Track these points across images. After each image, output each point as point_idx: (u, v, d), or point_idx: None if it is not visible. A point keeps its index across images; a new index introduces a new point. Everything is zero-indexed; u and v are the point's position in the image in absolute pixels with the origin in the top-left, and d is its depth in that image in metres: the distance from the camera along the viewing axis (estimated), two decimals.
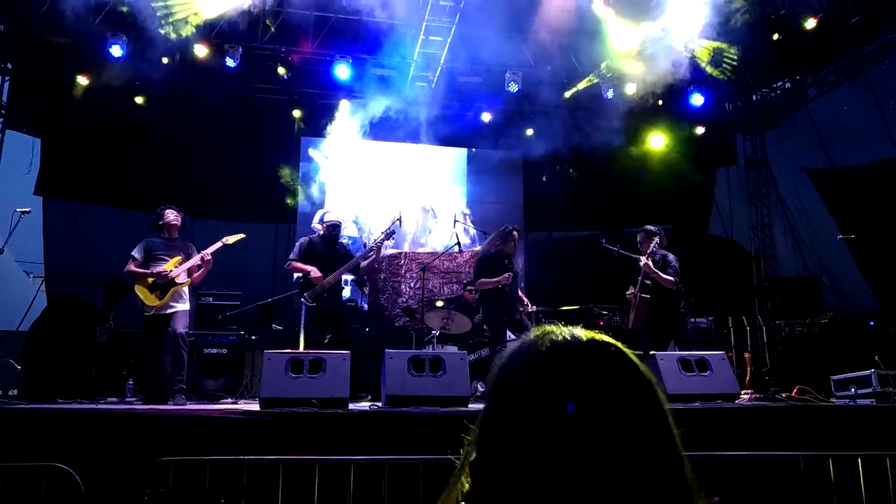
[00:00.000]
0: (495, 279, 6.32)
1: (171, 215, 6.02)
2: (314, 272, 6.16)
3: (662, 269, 6.36)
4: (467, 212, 10.37)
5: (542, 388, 0.73)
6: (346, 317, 6.54)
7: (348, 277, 10.22)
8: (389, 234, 6.73)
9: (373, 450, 3.57)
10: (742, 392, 5.95)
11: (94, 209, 9.89)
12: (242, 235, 6.28)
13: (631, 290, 6.50)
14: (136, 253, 5.86)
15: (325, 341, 6.18)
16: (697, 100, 10.49)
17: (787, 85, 10.78)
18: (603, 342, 0.78)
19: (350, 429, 3.93)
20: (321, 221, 7.64)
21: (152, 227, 6.06)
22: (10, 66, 9.32)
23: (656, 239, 6.51)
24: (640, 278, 6.34)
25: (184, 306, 5.84)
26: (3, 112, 9.37)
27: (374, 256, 6.52)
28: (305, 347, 6.00)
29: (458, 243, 7.98)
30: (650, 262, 6.30)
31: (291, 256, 6.41)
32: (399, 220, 9.51)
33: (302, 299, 6.22)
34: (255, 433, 3.84)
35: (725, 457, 3.39)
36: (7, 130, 9.42)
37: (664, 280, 6.27)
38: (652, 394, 0.75)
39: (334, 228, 6.59)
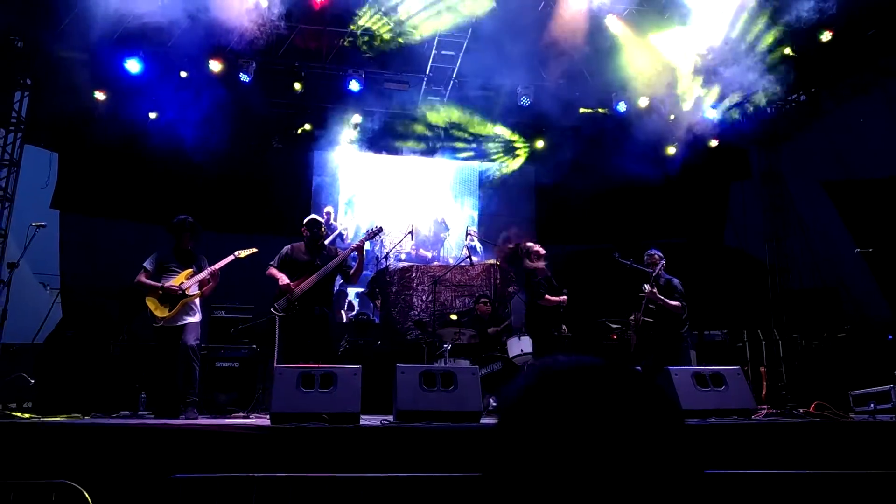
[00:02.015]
0: (557, 298, 6.58)
1: (190, 227, 6.04)
2: (282, 279, 5.89)
3: (668, 294, 6.37)
4: (474, 228, 10.32)
5: (544, 407, 0.73)
6: (324, 327, 6.01)
7: (358, 289, 10.26)
8: (372, 235, 6.39)
9: (384, 466, 3.54)
10: (758, 407, 5.86)
11: (110, 223, 10.00)
12: (254, 249, 6.27)
13: (633, 316, 6.51)
14: (147, 264, 5.89)
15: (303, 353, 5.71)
16: (711, 113, 10.44)
17: (803, 98, 10.70)
18: (610, 364, 0.77)
19: (360, 444, 3.90)
20: (327, 226, 7.48)
21: (170, 230, 6.02)
22: (28, 81, 9.47)
23: (662, 262, 6.52)
24: (644, 303, 6.34)
25: (194, 318, 5.85)
26: (22, 127, 9.51)
27: (360, 259, 6.01)
28: (279, 360, 5.81)
29: (470, 256, 7.96)
30: (655, 290, 6.30)
31: (271, 262, 6.14)
32: (411, 232, 9.55)
33: (272, 309, 5.96)
34: (266, 448, 3.83)
35: (742, 475, 3.33)
36: (25, 145, 9.56)
37: (671, 306, 6.27)
38: (667, 411, 0.74)
39: (313, 226, 6.10)
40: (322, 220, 6.37)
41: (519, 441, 0.72)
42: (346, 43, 9.23)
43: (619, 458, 0.68)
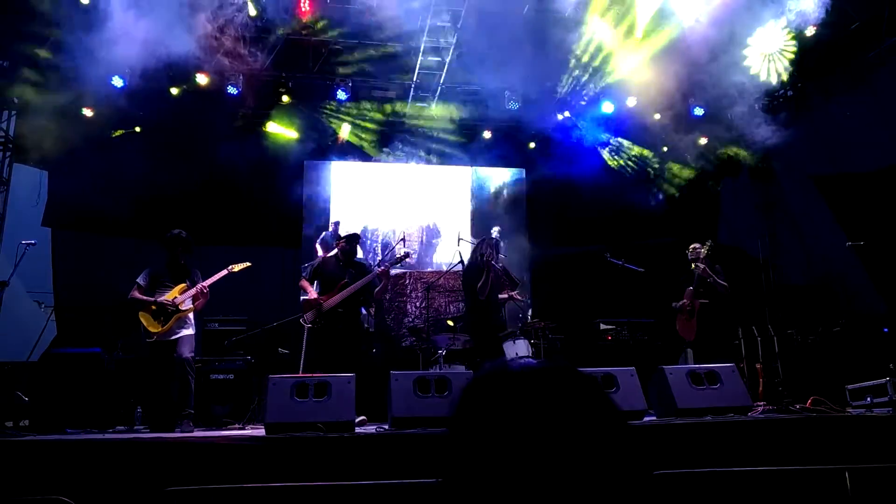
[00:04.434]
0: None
1: (183, 242, 6.04)
2: (311, 293, 6.13)
3: (716, 276, 6.60)
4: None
5: (483, 411, 0.73)
6: (353, 341, 6.19)
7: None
8: (399, 260, 6.66)
9: (379, 473, 3.53)
10: (755, 404, 5.86)
11: (102, 239, 9.94)
12: (248, 264, 6.29)
13: (684, 301, 6.56)
14: (140, 280, 5.89)
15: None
16: (699, 110, 10.48)
17: (790, 93, 10.73)
18: (553, 365, 0.77)
19: (356, 452, 3.89)
20: (335, 237, 7.53)
21: (164, 244, 6.05)
22: (15, 100, 9.43)
23: (704, 249, 6.75)
24: (692, 287, 6.42)
25: (188, 331, 5.86)
26: (11, 146, 9.47)
27: (384, 283, 6.26)
28: (304, 371, 5.92)
29: (462, 261, 7.95)
30: (706, 268, 6.42)
31: (303, 275, 6.50)
32: (403, 239, 9.54)
33: (301, 320, 6.21)
34: (261, 459, 3.81)
35: (739, 472, 3.32)
36: (15, 164, 9.52)
37: (721, 285, 6.37)
38: (606, 409, 0.74)
39: (353, 241, 6.43)
40: (360, 236, 6.74)
41: (463, 445, 0.72)
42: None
43: (558, 460, 0.67)
